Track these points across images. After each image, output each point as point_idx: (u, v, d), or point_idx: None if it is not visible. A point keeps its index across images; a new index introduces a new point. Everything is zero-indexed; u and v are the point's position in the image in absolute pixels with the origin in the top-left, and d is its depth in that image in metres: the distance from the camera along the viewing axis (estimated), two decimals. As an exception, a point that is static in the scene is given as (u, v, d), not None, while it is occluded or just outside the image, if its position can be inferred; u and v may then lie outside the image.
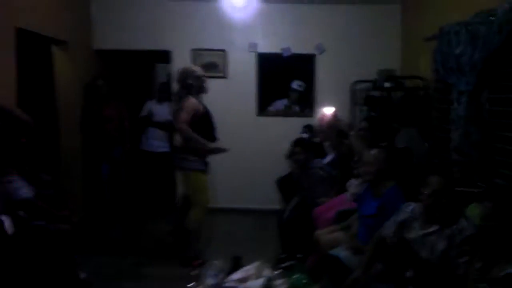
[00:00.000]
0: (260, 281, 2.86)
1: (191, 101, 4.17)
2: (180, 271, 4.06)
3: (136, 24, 5.97)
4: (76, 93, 5.53)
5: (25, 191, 3.50)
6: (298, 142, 4.46)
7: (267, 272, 2.92)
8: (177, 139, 4.45)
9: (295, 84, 6.08)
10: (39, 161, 4.03)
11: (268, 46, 6.02)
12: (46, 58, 5.05)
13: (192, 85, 4.24)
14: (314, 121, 5.57)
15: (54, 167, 4.84)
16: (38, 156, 4.06)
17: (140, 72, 7.49)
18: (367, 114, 5.18)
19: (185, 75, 4.27)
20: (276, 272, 3.07)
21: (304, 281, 3.04)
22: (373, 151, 3.16)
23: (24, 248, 2.95)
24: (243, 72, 6.05)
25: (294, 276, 3.08)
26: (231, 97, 6.01)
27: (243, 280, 2.92)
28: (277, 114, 6.19)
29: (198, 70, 4.36)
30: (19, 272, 2.84)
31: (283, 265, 3.76)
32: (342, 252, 2.97)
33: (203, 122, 4.23)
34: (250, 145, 6.07)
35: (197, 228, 4.30)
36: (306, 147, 4.42)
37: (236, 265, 3.30)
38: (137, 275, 4.05)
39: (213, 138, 4.31)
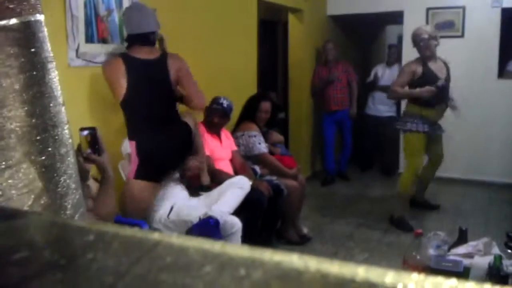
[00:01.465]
0: (488, 258, 2.63)
1: (410, 64, 4.15)
2: (398, 238, 4.02)
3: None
4: (308, 57, 5.81)
5: (262, 146, 3.89)
6: None
7: (496, 250, 2.67)
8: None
9: None
10: (273, 120, 4.39)
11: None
12: (283, 26, 5.41)
13: (418, 47, 4.11)
14: None
15: (284, 127, 5.22)
16: (274, 116, 4.41)
17: (371, 34, 7.43)
18: None
19: (413, 37, 4.17)
20: (508, 252, 2.79)
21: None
22: None
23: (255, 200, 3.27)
24: (483, 30, 5.46)
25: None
26: (469, 58, 5.50)
27: (468, 255, 2.72)
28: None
29: (426, 31, 4.12)
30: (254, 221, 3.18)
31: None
32: None
33: (421, 86, 4.07)
34: (489, 110, 5.50)
35: (402, 192, 4.26)
36: None
37: (462, 238, 3.09)
38: (356, 236, 4.14)
39: (432, 104, 4.08)
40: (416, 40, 4.13)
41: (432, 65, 4.11)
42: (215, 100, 3.53)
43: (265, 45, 4.94)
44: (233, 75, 4.17)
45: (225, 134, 3.71)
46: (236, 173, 3.51)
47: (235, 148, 3.73)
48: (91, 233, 0.45)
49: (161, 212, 2.90)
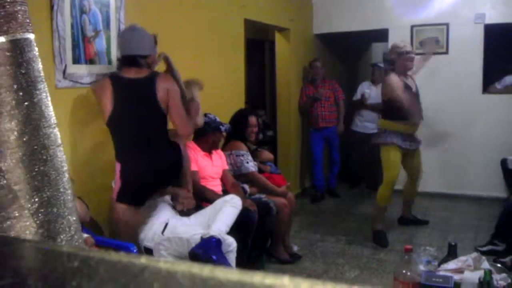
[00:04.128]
0: (478, 273, 2.63)
1: (390, 77, 4.08)
2: (388, 254, 4.02)
3: (354, 5, 5.98)
4: (295, 75, 5.85)
5: (250, 165, 3.89)
6: None
7: (485, 265, 2.67)
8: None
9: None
10: (263, 139, 4.41)
11: (498, 15, 5.39)
12: (270, 44, 5.46)
13: (395, 60, 4.12)
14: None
15: (273, 146, 5.23)
16: (263, 134, 4.43)
17: (357, 52, 7.51)
18: None
19: (390, 50, 4.24)
20: (497, 266, 2.79)
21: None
22: None
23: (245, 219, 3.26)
24: (467, 46, 5.55)
25: (520, 273, 2.76)
26: (454, 73, 5.57)
27: (458, 270, 2.72)
28: (504, 91, 5.53)
29: (404, 46, 4.17)
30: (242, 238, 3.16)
31: (504, 260, 3.42)
32: None
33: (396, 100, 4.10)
34: (475, 125, 5.57)
35: (379, 205, 4.29)
36: None
37: (452, 253, 3.10)
38: (346, 253, 4.13)
39: (404, 118, 4.12)
40: (402, 53, 4.12)
41: (407, 80, 4.17)
42: (213, 120, 3.53)
43: (253, 64, 4.96)
44: (220, 93, 4.17)
45: (217, 152, 3.70)
46: (226, 192, 3.50)
47: (226, 167, 3.72)
48: (77, 259, 0.44)
49: (155, 229, 2.86)
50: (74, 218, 0.98)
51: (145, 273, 0.41)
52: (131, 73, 2.72)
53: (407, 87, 4.11)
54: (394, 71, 4.12)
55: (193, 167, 3.41)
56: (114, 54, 3.00)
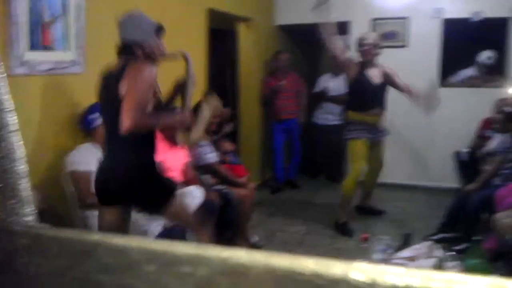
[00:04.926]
0: (431, 261, 2.72)
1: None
2: (347, 243, 4.10)
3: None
4: (257, 66, 5.85)
5: (211, 156, 3.87)
6: None
7: (438, 253, 2.77)
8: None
9: (484, 57, 5.51)
10: (223, 130, 4.38)
11: (455, 10, 5.55)
12: (231, 35, 5.43)
13: (362, 50, 4.28)
14: (505, 93, 4.98)
15: (234, 136, 5.21)
16: (223, 125, 4.41)
17: (320, 44, 7.55)
18: None
19: (359, 41, 4.34)
20: (448, 253, 2.90)
21: (481, 265, 2.82)
22: None
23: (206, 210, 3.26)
24: (426, 40, 5.69)
25: (470, 260, 2.87)
26: (413, 67, 5.68)
27: (412, 258, 2.81)
28: (462, 85, 5.72)
29: (372, 37, 4.27)
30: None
31: (457, 247, 3.56)
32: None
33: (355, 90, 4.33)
34: (432, 118, 5.71)
35: (345, 196, 4.40)
36: None
37: (406, 242, 3.20)
38: (305, 243, 4.18)
39: (367, 108, 4.29)
40: (361, 44, 4.26)
41: (369, 71, 4.26)
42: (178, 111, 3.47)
43: (216, 54, 4.93)
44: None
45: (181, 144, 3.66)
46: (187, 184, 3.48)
47: (188, 159, 3.69)
48: (26, 237, 0.43)
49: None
50: (31, 208, 0.95)
51: (98, 249, 0.41)
52: (120, 62, 2.44)
53: (361, 77, 4.21)
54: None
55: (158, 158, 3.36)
56: (73, 40, 2.91)
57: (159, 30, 2.57)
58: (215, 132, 4.07)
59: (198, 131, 2.93)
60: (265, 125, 6.08)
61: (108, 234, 0.43)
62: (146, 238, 2.50)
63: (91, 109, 2.88)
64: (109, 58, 3.18)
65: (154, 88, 2.39)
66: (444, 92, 5.70)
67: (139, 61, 2.39)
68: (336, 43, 4.28)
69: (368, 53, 4.22)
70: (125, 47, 2.46)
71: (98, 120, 2.83)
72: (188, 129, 2.75)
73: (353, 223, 4.48)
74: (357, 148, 4.30)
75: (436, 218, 4.26)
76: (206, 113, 2.96)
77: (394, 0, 5.75)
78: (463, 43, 5.63)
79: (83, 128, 2.92)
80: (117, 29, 2.50)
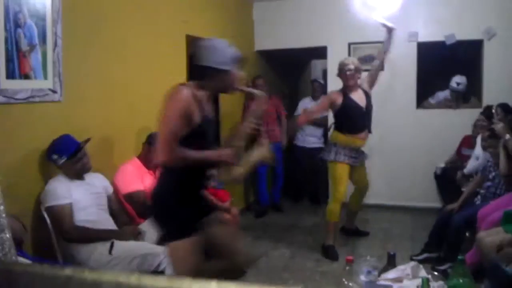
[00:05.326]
0: (416, 282, 2.72)
1: (332, 93, 4.43)
2: (332, 266, 4.08)
3: (294, 23, 6.12)
4: (237, 93, 5.87)
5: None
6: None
7: (423, 273, 2.76)
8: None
9: (454, 82, 5.63)
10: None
11: (429, 34, 5.69)
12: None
13: (344, 76, 4.30)
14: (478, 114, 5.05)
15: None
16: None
17: (298, 69, 7.66)
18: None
19: (340, 66, 4.37)
20: (433, 274, 2.90)
21: (465, 285, 2.82)
22: None
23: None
24: (401, 64, 5.80)
25: (454, 279, 2.87)
26: (389, 90, 5.80)
27: (398, 279, 2.80)
28: (438, 106, 5.83)
29: (353, 63, 4.32)
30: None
31: (441, 267, 3.57)
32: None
33: (342, 115, 4.33)
34: (409, 139, 5.81)
35: (329, 221, 4.37)
36: None
37: (391, 263, 3.19)
38: (290, 267, 4.15)
39: (355, 131, 4.31)
40: (343, 69, 4.31)
41: (353, 95, 4.30)
42: (151, 138, 3.46)
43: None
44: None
45: None
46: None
47: None
48: (-4, 273, 0.42)
49: (100, 249, 2.78)
50: (7, 236, 0.93)
51: (70, 284, 0.40)
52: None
53: (348, 103, 4.25)
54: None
55: (138, 186, 3.34)
56: (51, 69, 2.90)
57: (239, 62, 2.51)
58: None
59: (241, 170, 2.67)
60: (247, 149, 6.08)
61: (80, 268, 0.42)
62: (119, 270, 2.47)
63: (54, 148, 2.85)
64: (88, 86, 3.19)
65: (190, 117, 2.31)
66: (422, 113, 5.83)
67: (175, 90, 2.34)
68: (314, 114, 4.60)
69: (351, 78, 4.27)
70: (195, 71, 2.43)
71: (60, 159, 2.82)
72: (231, 165, 2.57)
73: (338, 245, 4.48)
74: (339, 171, 4.31)
75: (420, 238, 4.28)
76: (255, 157, 2.74)
77: (370, 25, 5.86)
78: (438, 66, 5.76)
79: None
80: (196, 51, 2.46)
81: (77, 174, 2.93)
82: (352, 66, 4.28)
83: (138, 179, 3.39)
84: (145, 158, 3.51)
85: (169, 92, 2.33)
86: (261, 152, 2.74)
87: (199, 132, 2.36)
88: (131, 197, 3.32)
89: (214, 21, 5.20)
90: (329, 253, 4.29)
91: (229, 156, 2.48)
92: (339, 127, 4.39)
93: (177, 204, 2.40)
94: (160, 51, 4.13)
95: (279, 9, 6.22)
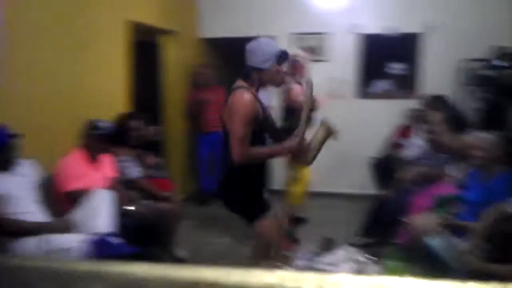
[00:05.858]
0: (352, 265, 2.83)
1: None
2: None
3: (239, 11, 6.12)
4: (182, 79, 5.84)
5: (134, 171, 3.81)
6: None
7: (358, 256, 2.88)
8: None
9: (393, 69, 5.87)
10: (147, 144, 4.32)
11: (371, 26, 5.85)
12: (155, 48, 5.38)
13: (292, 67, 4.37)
14: (415, 104, 5.30)
15: (159, 150, 5.15)
16: (147, 139, 4.34)
17: (244, 58, 7.66)
18: (485, 96, 4.81)
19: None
20: (368, 257, 3.03)
21: (399, 267, 2.97)
22: (487, 136, 3.00)
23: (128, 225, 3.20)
24: (344, 55, 5.95)
25: (388, 262, 3.02)
26: (332, 80, 5.93)
27: (334, 263, 2.90)
28: (377, 96, 6.03)
29: (298, 53, 4.39)
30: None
31: (376, 250, 3.73)
32: (435, 240, 2.88)
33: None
34: (350, 128, 5.96)
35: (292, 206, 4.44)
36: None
37: (327, 248, 3.30)
38: (233, 254, 4.20)
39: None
40: (294, 60, 4.37)
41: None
42: (93, 125, 3.37)
43: (139, 67, 4.87)
44: (102, 98, 4.03)
45: (107, 159, 3.55)
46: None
47: (115, 174, 3.59)
48: None
49: (33, 243, 2.68)
50: None
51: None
52: (236, 84, 2.73)
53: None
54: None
55: (78, 184, 3.21)
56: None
57: (281, 56, 2.69)
58: (138, 146, 4.00)
59: (311, 154, 2.95)
60: (190, 138, 6.06)
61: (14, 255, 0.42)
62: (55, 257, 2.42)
63: None
64: (17, 74, 3.06)
65: (256, 117, 2.60)
66: (362, 102, 6.01)
67: (238, 93, 2.61)
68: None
69: (301, 69, 4.35)
70: (245, 72, 2.72)
71: None
72: (299, 153, 2.79)
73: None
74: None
75: (356, 224, 4.44)
76: (319, 136, 3.00)
77: (313, 16, 5.96)
78: (379, 57, 5.95)
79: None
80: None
81: (5, 166, 2.81)
82: (302, 57, 4.38)
83: (79, 174, 3.27)
84: (88, 147, 3.40)
85: (233, 97, 2.62)
86: (324, 130, 3.02)
87: (263, 127, 2.69)
88: (71, 195, 3.21)
89: (158, 7, 5.11)
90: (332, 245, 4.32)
91: (295, 146, 2.71)
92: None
93: (250, 190, 2.79)
94: (98, 38, 4.01)
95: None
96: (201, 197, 5.88)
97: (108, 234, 2.76)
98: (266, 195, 2.89)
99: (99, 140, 3.36)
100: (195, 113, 5.75)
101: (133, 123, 3.87)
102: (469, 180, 3.19)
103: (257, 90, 2.74)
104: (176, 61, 5.63)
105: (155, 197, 3.78)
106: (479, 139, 3.06)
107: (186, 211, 5.02)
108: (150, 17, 4.94)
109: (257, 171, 2.82)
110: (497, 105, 3.72)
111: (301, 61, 4.36)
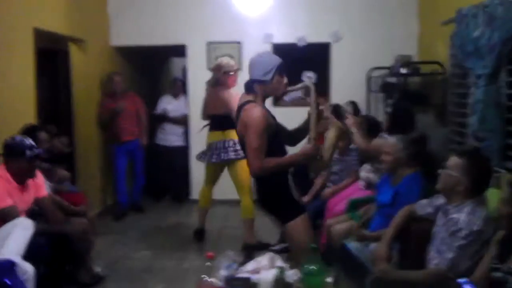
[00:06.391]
0: (273, 271, 2.85)
1: (208, 93, 4.55)
2: (194, 263, 4.11)
3: (152, 19, 6.00)
4: (92, 89, 5.61)
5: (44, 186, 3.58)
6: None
7: (279, 263, 2.91)
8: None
9: (305, 76, 6.05)
10: (57, 157, 4.10)
11: (283, 36, 5.98)
12: (63, 56, 5.13)
13: (214, 77, 4.48)
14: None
15: (70, 162, 4.90)
16: (57, 152, 4.13)
17: (158, 66, 7.54)
18: (393, 101, 5.04)
19: (215, 67, 4.50)
20: (287, 263, 3.07)
21: (318, 270, 3.03)
22: (391, 140, 3.14)
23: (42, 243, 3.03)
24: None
25: (307, 266, 3.07)
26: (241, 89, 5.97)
27: (256, 271, 2.90)
28: (290, 104, 6.17)
29: (227, 65, 4.39)
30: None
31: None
32: (352, 243, 2.97)
33: None
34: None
35: (247, 218, 4.51)
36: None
37: (249, 256, 3.30)
38: (152, 268, 4.09)
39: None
40: (228, 70, 4.39)
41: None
42: (17, 144, 3.09)
43: (47, 76, 4.62)
44: (7, 109, 3.77)
45: (34, 181, 3.29)
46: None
47: (44, 193, 3.36)
48: None
49: None
50: None
51: None
52: (242, 99, 2.78)
53: None
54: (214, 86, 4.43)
55: (8, 202, 2.97)
56: None
57: (281, 67, 2.82)
58: (47, 160, 3.77)
59: (326, 156, 2.95)
60: (104, 148, 5.84)
61: None
62: None
63: None
64: None
65: (269, 126, 2.66)
66: (276, 111, 6.09)
67: (248, 108, 2.66)
68: None
69: (234, 80, 4.35)
70: (248, 86, 2.76)
71: None
72: (316, 155, 2.78)
73: (199, 243, 4.51)
74: (245, 167, 4.38)
75: (276, 230, 4.48)
76: (331, 136, 3.03)
77: (227, 25, 5.99)
78: (292, 66, 6.07)
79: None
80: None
81: None
82: (235, 67, 4.47)
83: (5, 193, 3.01)
84: (14, 173, 3.10)
85: (244, 112, 2.67)
86: (336, 130, 3.08)
87: (276, 137, 2.75)
88: (3, 214, 2.95)
89: (66, 15, 4.88)
90: (254, 252, 4.24)
91: (310, 151, 2.74)
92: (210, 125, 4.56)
93: (284, 194, 2.85)
94: (1, 45, 3.75)
95: (135, 3, 6.05)
96: (118, 210, 5.67)
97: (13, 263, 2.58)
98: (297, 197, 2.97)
99: (28, 164, 3.12)
100: (108, 122, 5.55)
101: (40, 135, 3.65)
102: (380, 184, 3.32)
103: (262, 101, 2.82)
104: (86, 69, 5.40)
105: (68, 213, 3.59)
106: (386, 143, 3.20)
107: (102, 226, 4.83)
108: (58, 25, 4.72)
109: (283, 175, 2.88)
110: (404, 110, 3.96)
111: (232, 71, 4.36)
